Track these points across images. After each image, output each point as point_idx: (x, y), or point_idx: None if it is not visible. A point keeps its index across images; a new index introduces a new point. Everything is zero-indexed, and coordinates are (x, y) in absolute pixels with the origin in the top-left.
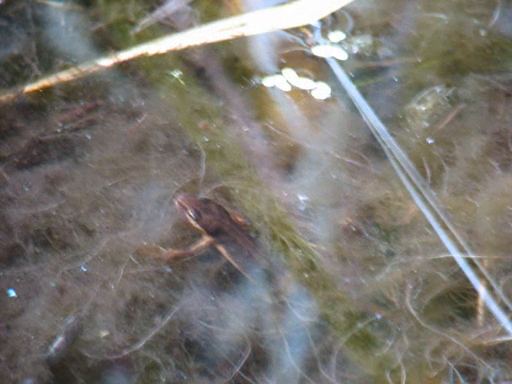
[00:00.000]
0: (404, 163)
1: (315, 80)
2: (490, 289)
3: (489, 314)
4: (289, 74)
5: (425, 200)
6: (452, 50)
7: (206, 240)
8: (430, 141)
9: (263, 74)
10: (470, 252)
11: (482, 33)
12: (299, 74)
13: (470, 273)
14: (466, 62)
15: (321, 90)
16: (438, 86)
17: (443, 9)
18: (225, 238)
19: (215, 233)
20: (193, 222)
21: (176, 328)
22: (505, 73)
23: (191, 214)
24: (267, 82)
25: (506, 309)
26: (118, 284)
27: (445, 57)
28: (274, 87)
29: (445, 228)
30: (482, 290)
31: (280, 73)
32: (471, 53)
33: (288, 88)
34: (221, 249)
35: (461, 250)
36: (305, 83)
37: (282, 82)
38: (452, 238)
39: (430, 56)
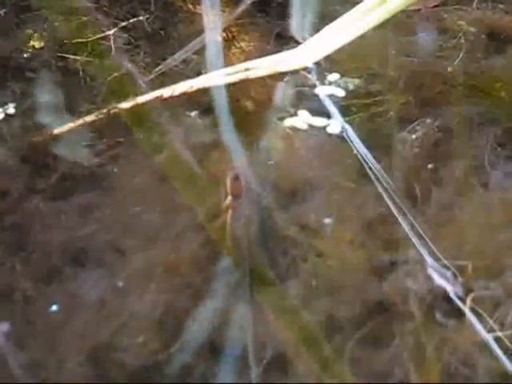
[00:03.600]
0: (395, 183)
1: (326, 117)
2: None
3: (477, 314)
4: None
5: (416, 215)
6: (426, 86)
7: None
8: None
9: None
10: (460, 260)
11: (450, 72)
12: (298, 112)
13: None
14: (439, 97)
15: (334, 126)
16: (426, 117)
17: (414, 52)
18: None
19: None
20: None
21: (204, 333)
22: (474, 105)
23: None
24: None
25: (492, 308)
26: (151, 296)
27: (420, 92)
28: (274, 124)
29: (437, 239)
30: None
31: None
32: (443, 89)
33: (300, 125)
34: None
35: (452, 257)
36: (317, 121)
37: (294, 120)
38: (444, 247)
39: (408, 92)
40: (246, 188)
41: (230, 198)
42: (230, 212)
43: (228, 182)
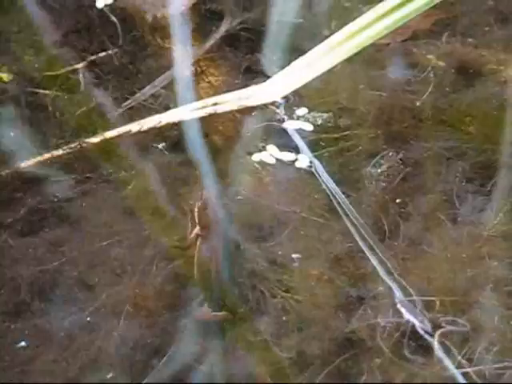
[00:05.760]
0: (364, 218)
1: (294, 151)
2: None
3: (446, 349)
4: (258, 145)
5: (384, 250)
6: (395, 120)
7: None
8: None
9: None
10: (428, 295)
11: (419, 106)
12: (267, 147)
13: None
14: (408, 131)
15: (302, 161)
16: (389, 151)
17: (383, 86)
18: None
19: None
20: None
21: (170, 369)
22: (443, 139)
23: None
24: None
25: (461, 343)
26: (118, 331)
27: (389, 127)
28: (242, 160)
29: (405, 274)
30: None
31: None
32: (412, 123)
33: (268, 160)
34: None
35: (421, 292)
36: (285, 155)
37: (262, 155)
38: (412, 282)
39: (377, 127)
40: (213, 221)
41: (197, 228)
42: (197, 244)
43: (195, 212)
